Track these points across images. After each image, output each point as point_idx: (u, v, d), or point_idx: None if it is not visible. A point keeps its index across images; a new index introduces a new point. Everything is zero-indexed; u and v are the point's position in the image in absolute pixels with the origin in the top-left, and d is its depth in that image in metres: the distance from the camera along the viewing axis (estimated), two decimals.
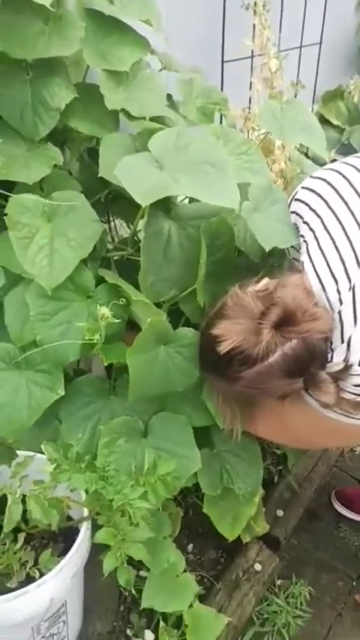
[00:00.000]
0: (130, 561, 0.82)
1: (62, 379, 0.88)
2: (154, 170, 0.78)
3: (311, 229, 0.84)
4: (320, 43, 2.08)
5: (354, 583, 1.34)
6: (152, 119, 1.02)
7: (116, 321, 0.80)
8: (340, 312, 0.78)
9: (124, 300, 0.85)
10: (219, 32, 1.62)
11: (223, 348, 0.77)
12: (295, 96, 1.66)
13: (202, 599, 1.15)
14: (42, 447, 0.83)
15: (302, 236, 0.87)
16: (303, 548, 1.40)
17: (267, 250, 0.90)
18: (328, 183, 0.85)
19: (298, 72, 2.00)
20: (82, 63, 1.03)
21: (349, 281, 0.77)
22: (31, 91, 0.94)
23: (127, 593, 1.23)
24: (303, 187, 0.89)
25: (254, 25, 1.60)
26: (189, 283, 0.93)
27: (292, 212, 0.90)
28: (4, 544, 0.88)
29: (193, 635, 1.05)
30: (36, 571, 0.90)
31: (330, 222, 0.81)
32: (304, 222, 0.86)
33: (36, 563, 0.92)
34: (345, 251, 0.78)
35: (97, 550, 1.10)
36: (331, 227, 0.81)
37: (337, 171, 0.87)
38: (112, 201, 1.07)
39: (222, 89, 1.67)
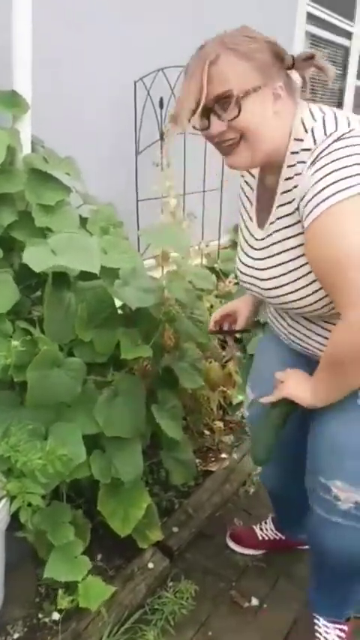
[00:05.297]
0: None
1: None
2: (50, 254, 1.31)
3: None
4: (221, 189, 2.81)
5: (233, 584, 1.65)
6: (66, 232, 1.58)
7: (23, 349, 1.27)
8: None
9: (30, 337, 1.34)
10: (133, 180, 2.30)
11: None
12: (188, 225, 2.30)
13: None
14: None
15: None
16: (194, 560, 1.72)
17: (133, 308, 1.41)
18: None
19: (203, 208, 2.69)
20: (24, 198, 1.61)
21: None
22: None
23: (42, 590, 1.54)
24: None
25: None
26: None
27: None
28: None
29: (85, 599, 1.38)
30: None
31: None
32: None
33: None
34: None
35: (21, 557, 1.47)
36: None
37: None
38: (38, 285, 1.60)
39: (138, 219, 2.30)
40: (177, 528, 1.76)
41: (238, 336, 1.48)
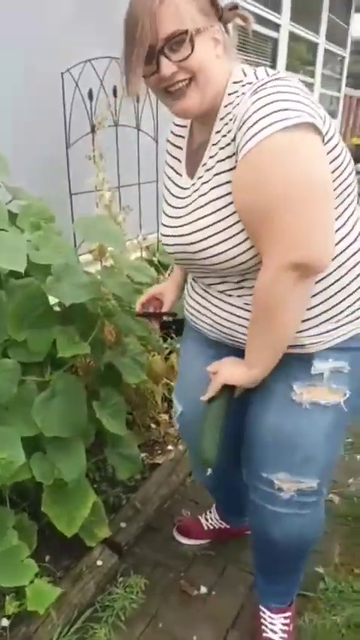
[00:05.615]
0: None
1: None
2: None
3: None
4: (157, 181, 2.80)
5: (182, 574, 1.66)
6: None
7: None
8: None
9: None
10: (65, 174, 2.26)
11: None
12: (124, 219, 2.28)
13: None
14: None
15: None
16: (143, 554, 1.72)
17: (67, 305, 1.39)
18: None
19: (139, 201, 2.67)
20: None
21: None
22: None
23: None
24: None
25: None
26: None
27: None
28: None
29: (33, 603, 1.36)
30: None
31: None
32: None
33: None
34: None
35: None
36: None
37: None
38: None
39: (72, 213, 2.26)
40: (125, 524, 1.75)
41: (165, 318, 1.47)
